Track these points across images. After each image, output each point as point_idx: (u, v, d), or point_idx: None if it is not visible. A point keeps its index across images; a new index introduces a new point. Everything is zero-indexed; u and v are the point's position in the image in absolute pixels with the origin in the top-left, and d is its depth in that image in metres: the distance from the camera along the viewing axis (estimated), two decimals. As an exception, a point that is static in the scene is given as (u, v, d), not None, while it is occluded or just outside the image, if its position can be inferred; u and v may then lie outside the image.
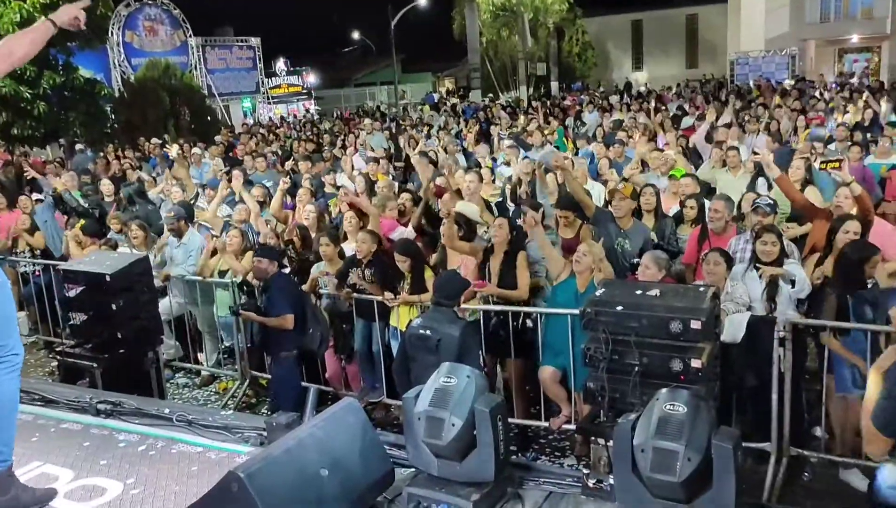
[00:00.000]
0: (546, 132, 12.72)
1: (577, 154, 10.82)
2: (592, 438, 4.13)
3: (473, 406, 3.05)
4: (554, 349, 5.32)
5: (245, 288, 6.36)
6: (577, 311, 4.80)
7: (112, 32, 26.09)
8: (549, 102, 23.46)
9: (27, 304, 8.55)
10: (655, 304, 3.77)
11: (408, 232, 6.92)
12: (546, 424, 5.59)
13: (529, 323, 5.58)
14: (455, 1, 32.78)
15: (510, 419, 5.21)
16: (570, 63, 39.34)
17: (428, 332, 4.43)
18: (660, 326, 3.69)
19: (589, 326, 3.87)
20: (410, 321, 4.93)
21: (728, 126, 10.74)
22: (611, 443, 3.41)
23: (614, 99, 22.41)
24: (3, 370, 3.04)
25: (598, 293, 4.01)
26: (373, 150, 12.67)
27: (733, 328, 4.65)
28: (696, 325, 3.61)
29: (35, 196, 9.84)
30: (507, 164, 9.91)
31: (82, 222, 8.17)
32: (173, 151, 13.18)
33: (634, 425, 2.89)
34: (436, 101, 31.43)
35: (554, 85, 36.40)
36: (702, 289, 3.98)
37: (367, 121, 17.41)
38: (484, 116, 19.48)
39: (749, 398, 4.85)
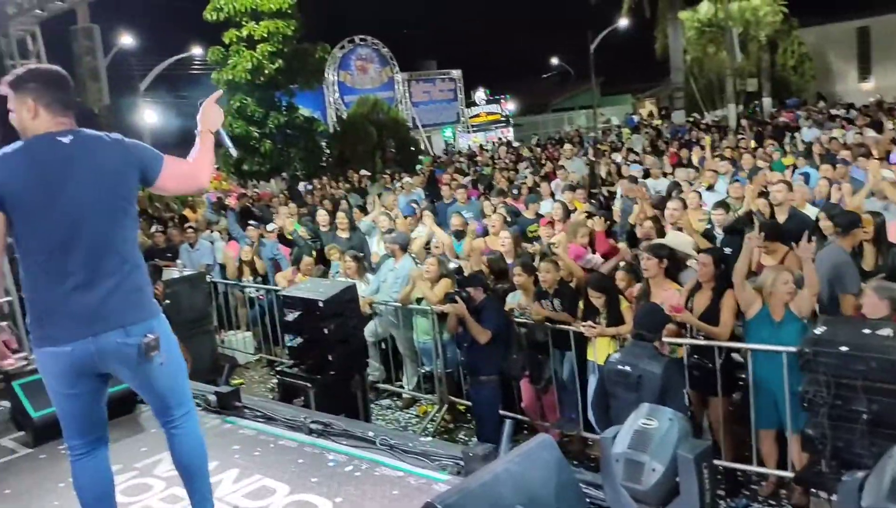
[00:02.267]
0: (759, 155, 11.83)
1: (793, 173, 10.04)
2: (812, 490, 3.77)
3: (676, 452, 2.89)
4: (764, 390, 4.94)
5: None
6: (793, 349, 4.44)
7: (328, 73, 28.27)
8: (761, 120, 22.05)
9: (253, 325, 9.39)
10: (889, 345, 3.38)
11: (596, 259, 6.79)
12: (759, 469, 5.18)
13: (736, 357, 5.24)
14: (657, 20, 31.95)
15: (717, 462, 4.95)
16: (785, 77, 36.76)
17: (628, 368, 4.28)
18: (893, 370, 3.30)
19: (807, 367, 3.56)
20: (609, 355, 4.80)
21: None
22: (834, 498, 3.09)
23: (838, 112, 20.58)
24: (194, 425, 3.11)
25: (817, 331, 3.68)
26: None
27: None
28: (938, 372, 3.19)
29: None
30: (710, 188, 9.41)
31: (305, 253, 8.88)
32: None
33: (863, 484, 2.59)
34: (636, 123, 30.69)
35: (767, 101, 34.17)
36: (946, 330, 3.51)
37: (567, 146, 17.32)
38: (688, 138, 18.70)
39: None
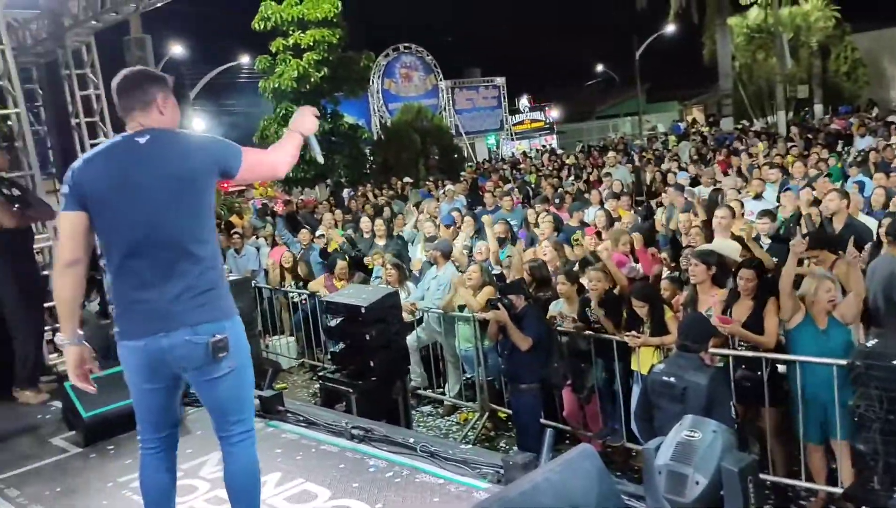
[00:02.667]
0: (812, 162, 11.56)
1: (846, 182, 9.80)
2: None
3: (720, 465, 2.83)
4: (812, 402, 4.82)
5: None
6: (843, 362, 4.33)
7: (372, 81, 28.50)
8: (812, 127, 21.58)
9: (296, 330, 9.50)
10: (944, 360, 3.27)
11: (638, 268, 6.72)
12: (808, 485, 5.05)
13: (781, 369, 5.12)
14: (705, 25, 31.50)
15: (765, 476, 4.85)
16: (837, 83, 35.92)
17: (672, 379, 4.22)
18: (950, 386, 3.19)
19: (859, 381, 3.48)
20: (653, 365, 4.74)
21: None
22: (887, 517, 3.00)
23: (893, 120, 20.02)
24: (251, 447, 3.07)
25: (869, 344, 3.58)
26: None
27: None
28: None
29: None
30: (758, 196, 9.23)
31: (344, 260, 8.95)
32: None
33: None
34: (683, 130, 30.30)
35: (818, 108, 33.46)
36: None
37: (611, 154, 17.17)
38: (736, 145, 18.37)
39: None
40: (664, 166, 14.61)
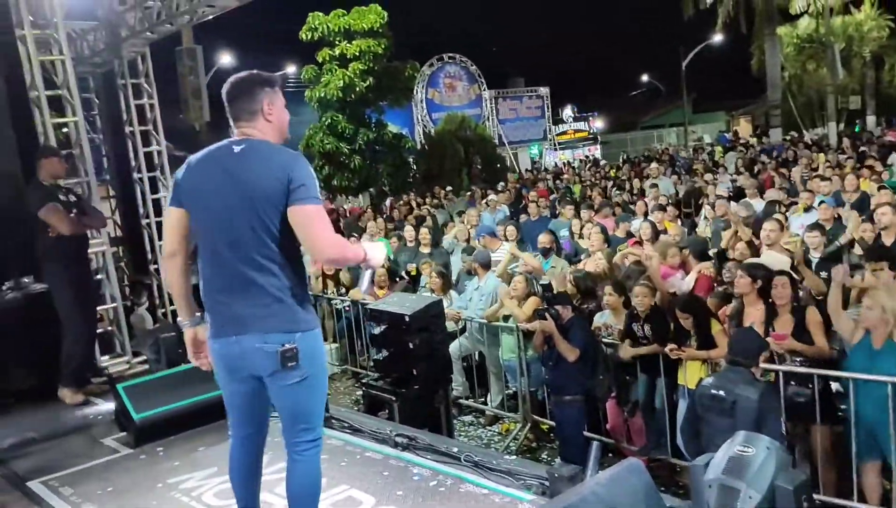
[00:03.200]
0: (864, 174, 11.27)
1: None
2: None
3: (774, 483, 2.77)
4: (866, 422, 4.69)
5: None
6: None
7: (417, 91, 28.69)
8: (865, 139, 21.07)
9: (339, 337, 9.57)
10: None
11: (687, 282, 6.63)
12: (860, 505, 4.91)
13: (834, 386, 5.00)
14: (753, 35, 31.01)
15: (816, 496, 4.72)
16: (891, 94, 35.03)
17: (722, 393, 4.15)
18: None
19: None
20: (701, 379, 4.67)
21: None
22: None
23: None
24: (315, 456, 3.12)
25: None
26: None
27: None
28: None
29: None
30: (807, 209, 9.04)
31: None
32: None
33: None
34: (729, 141, 29.84)
35: (870, 119, 32.66)
36: None
37: (654, 165, 16.99)
38: (785, 156, 18.03)
39: None
40: (708, 177, 14.40)
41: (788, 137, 27.00)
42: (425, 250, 9.69)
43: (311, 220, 2.85)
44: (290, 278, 2.92)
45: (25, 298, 6.11)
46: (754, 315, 5.55)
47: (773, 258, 6.28)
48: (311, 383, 2.98)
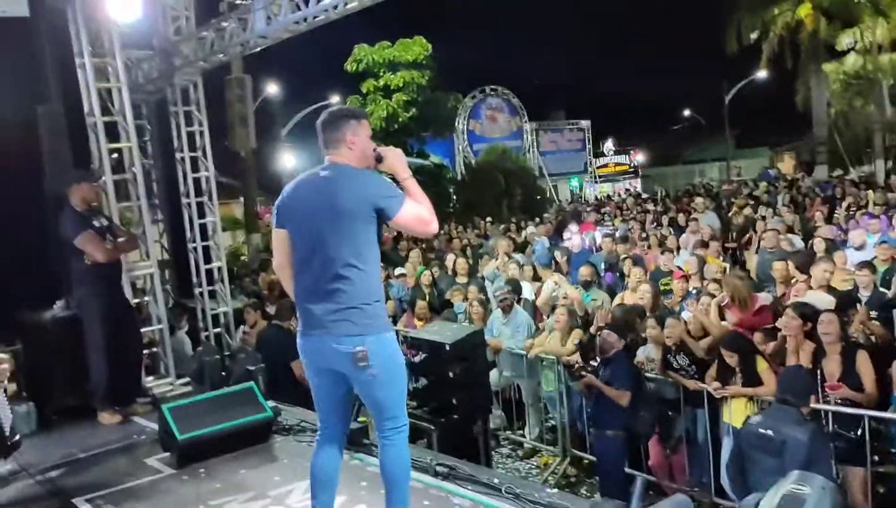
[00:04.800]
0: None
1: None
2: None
3: (829, 524, 2.70)
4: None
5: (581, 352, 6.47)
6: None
7: (458, 122, 28.94)
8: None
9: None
10: None
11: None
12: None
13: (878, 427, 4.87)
14: (799, 71, 30.68)
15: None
16: (941, 131, 34.27)
17: (770, 432, 4.05)
18: None
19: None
20: (748, 417, 4.57)
21: None
22: None
23: None
24: (402, 441, 3.40)
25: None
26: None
27: None
28: None
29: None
30: (860, 248, 8.84)
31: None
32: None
33: None
34: (773, 177, 29.43)
35: (918, 157, 31.96)
36: None
37: (699, 200, 16.81)
38: (831, 194, 17.70)
39: None
40: (747, 212, 14.20)
41: (836, 175, 26.53)
42: (462, 279, 9.71)
43: (407, 222, 3.29)
44: (367, 287, 3.26)
45: (75, 317, 6.24)
46: (802, 355, 5.44)
47: (819, 297, 6.15)
48: (385, 379, 3.28)
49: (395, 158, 3.41)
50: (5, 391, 4.61)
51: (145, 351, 7.12)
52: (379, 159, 3.40)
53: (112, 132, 7.26)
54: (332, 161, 3.34)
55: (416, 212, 3.28)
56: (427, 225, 3.33)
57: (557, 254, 9.66)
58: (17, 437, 4.88)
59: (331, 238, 3.20)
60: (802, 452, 3.89)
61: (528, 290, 8.79)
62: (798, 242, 9.83)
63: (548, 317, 7.70)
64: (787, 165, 39.36)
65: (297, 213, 3.33)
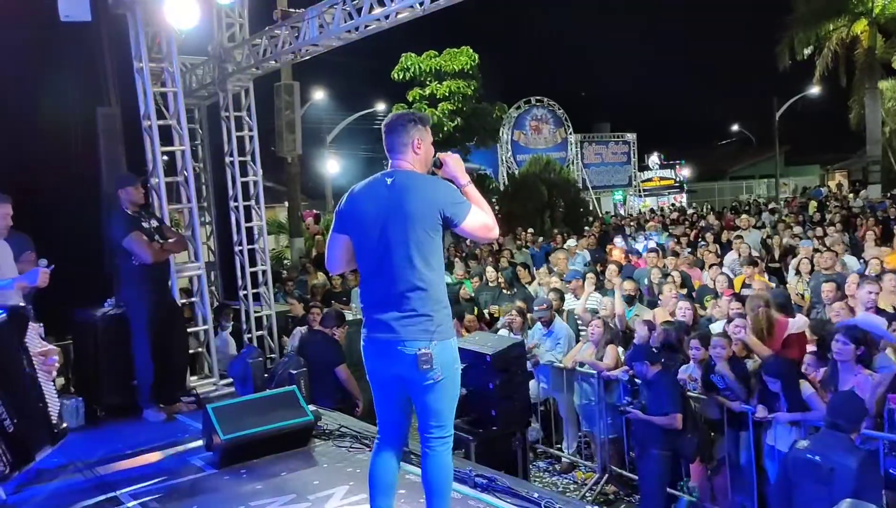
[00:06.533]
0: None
1: None
2: None
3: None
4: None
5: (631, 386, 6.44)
6: None
7: (502, 132, 28.94)
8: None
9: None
10: None
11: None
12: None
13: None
14: (853, 89, 30.02)
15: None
16: None
17: (818, 458, 3.96)
18: None
19: None
20: (795, 441, 4.47)
21: None
22: None
23: None
24: (447, 450, 3.40)
25: None
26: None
27: None
28: None
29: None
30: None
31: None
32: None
33: None
34: (824, 195, 28.81)
35: (977, 178, 31.00)
36: None
37: (744, 217, 16.53)
38: (884, 214, 17.26)
39: None
40: (798, 230, 13.91)
41: (889, 195, 25.85)
42: (507, 290, 9.68)
43: (473, 230, 3.34)
44: (435, 294, 3.29)
45: (123, 316, 6.38)
46: (852, 382, 5.30)
47: (870, 320, 5.99)
48: (445, 384, 3.31)
49: (456, 164, 3.44)
50: (54, 383, 4.73)
51: (190, 351, 7.26)
52: (438, 165, 3.42)
53: (165, 136, 7.43)
54: (398, 166, 3.37)
55: (481, 220, 3.33)
56: (490, 232, 3.40)
57: (611, 268, 9.58)
58: (64, 425, 5.00)
59: (400, 245, 3.22)
60: (851, 480, 3.79)
61: (571, 302, 8.73)
62: (854, 263, 9.60)
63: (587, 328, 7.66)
64: (837, 182, 38.48)
65: (364, 220, 3.32)
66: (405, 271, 3.23)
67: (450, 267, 12.62)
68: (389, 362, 3.31)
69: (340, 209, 3.43)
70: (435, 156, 3.44)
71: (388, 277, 3.25)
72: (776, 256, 12.10)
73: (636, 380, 6.21)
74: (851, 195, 27.50)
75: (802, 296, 8.55)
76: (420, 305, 3.23)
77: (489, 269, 10.82)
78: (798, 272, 9.58)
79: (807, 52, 27.29)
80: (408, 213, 3.22)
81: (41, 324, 4.70)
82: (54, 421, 4.59)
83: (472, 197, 3.36)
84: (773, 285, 9.00)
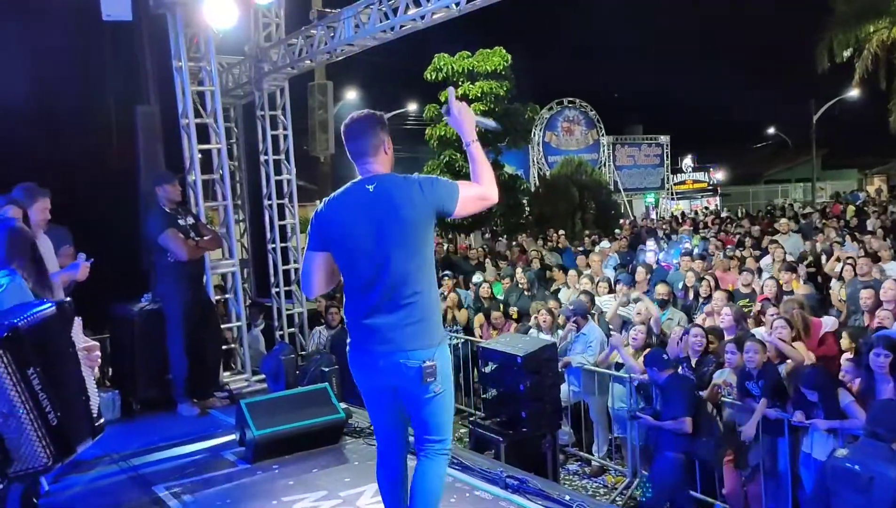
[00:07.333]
0: None
1: None
2: None
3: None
4: None
5: (641, 391, 6.39)
6: None
7: (534, 133, 28.85)
8: None
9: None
10: None
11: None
12: None
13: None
14: (893, 92, 29.42)
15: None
16: None
17: (857, 467, 3.89)
18: None
19: None
20: (833, 450, 4.39)
21: None
22: None
23: None
24: (444, 463, 3.29)
25: None
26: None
27: None
28: None
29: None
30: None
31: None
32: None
33: None
34: (861, 200, 28.28)
35: None
36: None
37: (783, 221, 16.27)
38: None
39: None
40: (834, 236, 13.65)
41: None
42: (528, 292, 9.66)
43: (471, 190, 3.19)
44: (433, 298, 3.19)
45: (159, 312, 6.48)
46: (889, 393, 5.18)
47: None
48: (444, 397, 3.20)
49: (465, 116, 3.26)
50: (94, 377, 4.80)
51: (223, 347, 7.34)
52: (447, 112, 3.23)
53: (202, 134, 7.52)
54: (374, 170, 3.19)
55: (472, 193, 3.20)
56: (486, 201, 3.26)
57: (640, 270, 9.51)
58: (102, 420, 5.07)
59: (396, 252, 3.06)
60: (892, 489, 3.72)
61: (604, 302, 8.68)
62: (893, 270, 9.39)
63: (619, 331, 7.61)
64: (877, 187, 37.75)
65: (353, 231, 3.11)
66: (407, 277, 3.08)
67: (481, 268, 12.64)
68: (387, 374, 3.14)
69: (318, 225, 3.20)
70: (446, 102, 3.25)
71: (389, 284, 3.07)
72: (812, 261, 11.90)
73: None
74: (888, 199, 26.95)
75: (844, 302, 8.40)
76: (420, 309, 3.10)
77: (518, 271, 10.78)
78: (841, 278, 9.40)
79: (846, 54, 26.79)
80: (404, 218, 3.06)
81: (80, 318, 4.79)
82: (95, 415, 4.66)
83: (474, 157, 3.23)
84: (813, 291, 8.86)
